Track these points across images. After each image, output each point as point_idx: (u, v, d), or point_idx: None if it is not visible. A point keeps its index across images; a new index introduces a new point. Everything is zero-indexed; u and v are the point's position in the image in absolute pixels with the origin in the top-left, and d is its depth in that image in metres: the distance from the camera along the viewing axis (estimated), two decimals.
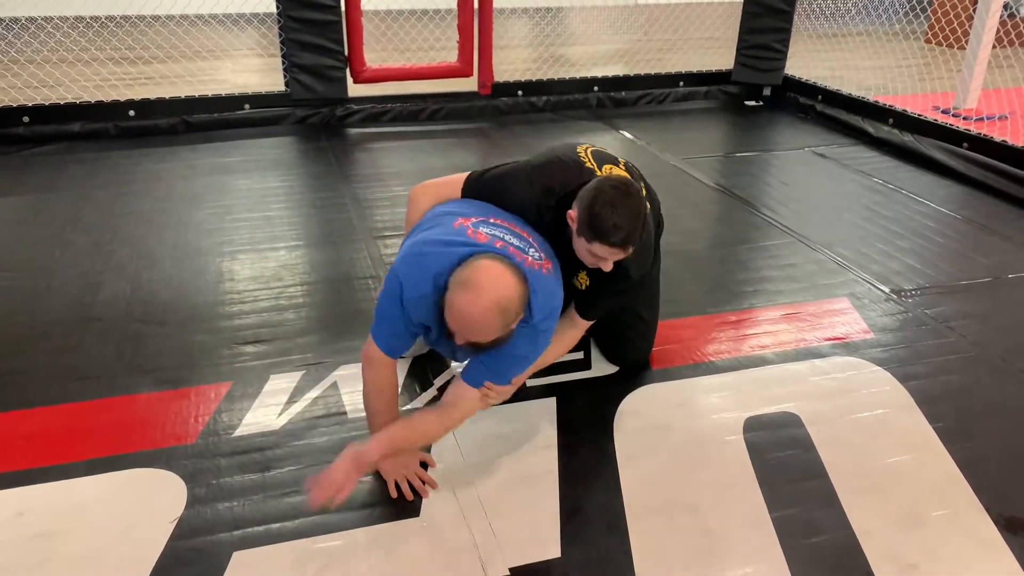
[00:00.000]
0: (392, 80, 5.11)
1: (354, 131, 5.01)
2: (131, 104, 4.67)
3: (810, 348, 2.61)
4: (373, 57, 5.12)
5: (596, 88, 5.59)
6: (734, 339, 2.67)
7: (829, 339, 2.67)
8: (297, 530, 1.83)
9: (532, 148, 4.87)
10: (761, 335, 2.69)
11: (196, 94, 4.85)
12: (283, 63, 4.89)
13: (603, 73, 5.74)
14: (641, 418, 2.25)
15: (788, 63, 5.78)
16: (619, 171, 2.14)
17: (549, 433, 2.17)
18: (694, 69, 5.89)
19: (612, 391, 2.36)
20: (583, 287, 2.13)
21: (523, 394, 2.30)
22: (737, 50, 5.82)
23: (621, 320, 2.38)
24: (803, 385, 2.41)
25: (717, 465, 2.07)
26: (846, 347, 2.62)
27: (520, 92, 5.41)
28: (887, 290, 3.02)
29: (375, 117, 5.10)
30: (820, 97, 5.46)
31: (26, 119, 4.51)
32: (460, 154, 4.74)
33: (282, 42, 4.83)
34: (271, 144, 4.68)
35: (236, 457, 2.06)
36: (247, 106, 4.89)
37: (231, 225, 3.52)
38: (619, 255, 1.89)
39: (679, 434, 2.18)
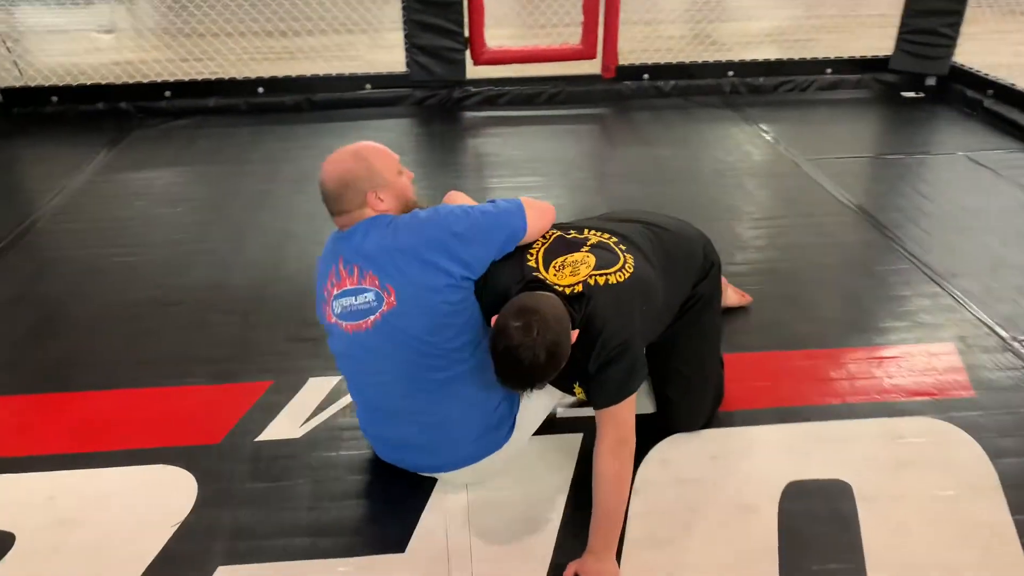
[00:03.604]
0: (513, 62, 5.01)
1: (470, 115, 4.97)
2: (260, 81, 4.89)
3: (890, 403, 2.31)
4: (496, 36, 5.04)
5: (731, 73, 5.21)
6: (805, 382, 2.40)
7: (917, 393, 2.34)
8: (286, 549, 1.84)
9: (650, 139, 4.78)
10: (838, 380, 2.41)
11: (321, 72, 4.99)
12: (405, 44, 4.91)
13: (745, 56, 5.33)
14: (669, 469, 2.07)
15: (966, 45, 5.10)
16: (578, 257, 1.88)
17: (565, 474, 2.05)
18: (845, 54, 5.35)
19: (646, 432, 2.19)
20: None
21: (549, 425, 2.19)
22: (899, 33, 5.21)
23: (657, 376, 2.17)
24: (868, 448, 2.13)
25: (737, 536, 1.87)
26: (935, 406, 2.29)
27: (646, 76, 5.14)
28: (1007, 337, 2.61)
29: (492, 100, 5.04)
30: (991, 91, 4.79)
31: (168, 93, 4.83)
32: (575, 142, 4.59)
33: (404, 22, 4.85)
34: (387, 127, 4.74)
35: (252, 463, 2.10)
36: (368, 86, 4.98)
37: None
38: None
39: (705, 493, 2.00)
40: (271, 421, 2.25)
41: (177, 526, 1.90)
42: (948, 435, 2.18)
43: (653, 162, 4.18)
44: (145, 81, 4.82)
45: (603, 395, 1.80)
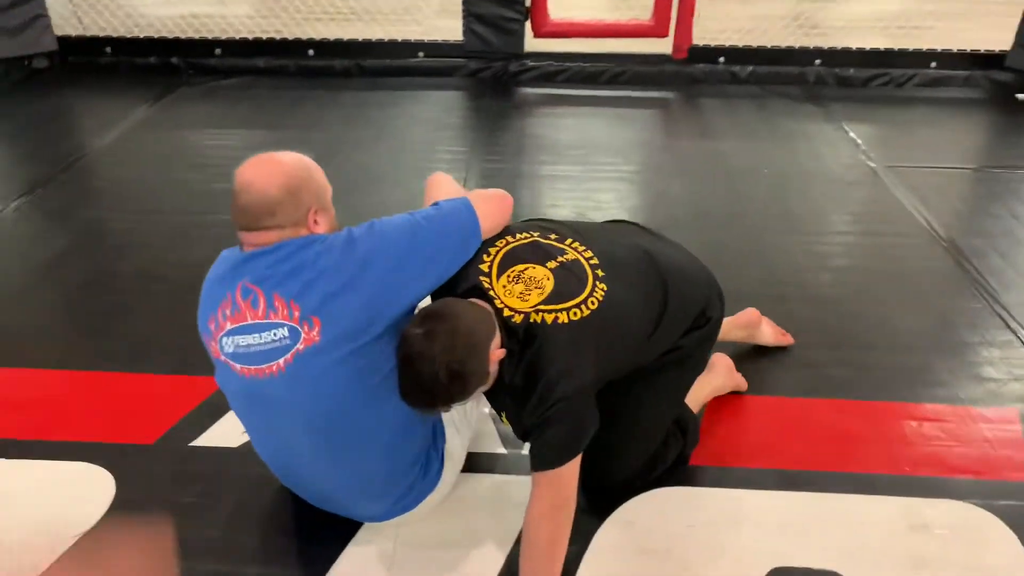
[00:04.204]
0: (576, 36, 4.67)
1: (524, 91, 4.66)
2: (311, 43, 4.71)
3: (921, 479, 1.93)
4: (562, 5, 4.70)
5: (818, 61, 4.70)
6: (822, 440, 2.05)
7: (958, 470, 1.95)
8: None
9: (714, 130, 4.36)
10: (862, 442, 2.04)
11: (374, 37, 4.78)
12: (463, 11, 4.63)
13: (837, 43, 4.79)
14: (632, 534, 1.77)
15: None
16: (538, 275, 1.58)
17: (510, 528, 1.78)
18: (955, 46, 4.73)
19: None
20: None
21: (498, 467, 1.92)
22: (1021, 25, 4.57)
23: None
24: (881, 535, 1.77)
25: None
26: (978, 489, 1.90)
27: (721, 59, 4.69)
28: None
29: (550, 76, 4.71)
30: None
31: (218, 51, 4.72)
32: (632, 129, 4.22)
33: None
34: (434, 99, 4.50)
35: (180, 471, 1.93)
36: (421, 54, 4.74)
37: (360, 189, 3.40)
38: None
39: (669, 571, 1.69)
40: (213, 424, 2.07)
41: (78, 537, 1.75)
42: (987, 529, 1.80)
43: (712, 157, 3.78)
44: (196, 37, 4.72)
45: (540, 458, 1.52)
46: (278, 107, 4.34)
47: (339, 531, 1.76)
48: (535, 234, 1.69)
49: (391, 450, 1.62)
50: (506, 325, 1.51)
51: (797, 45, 4.75)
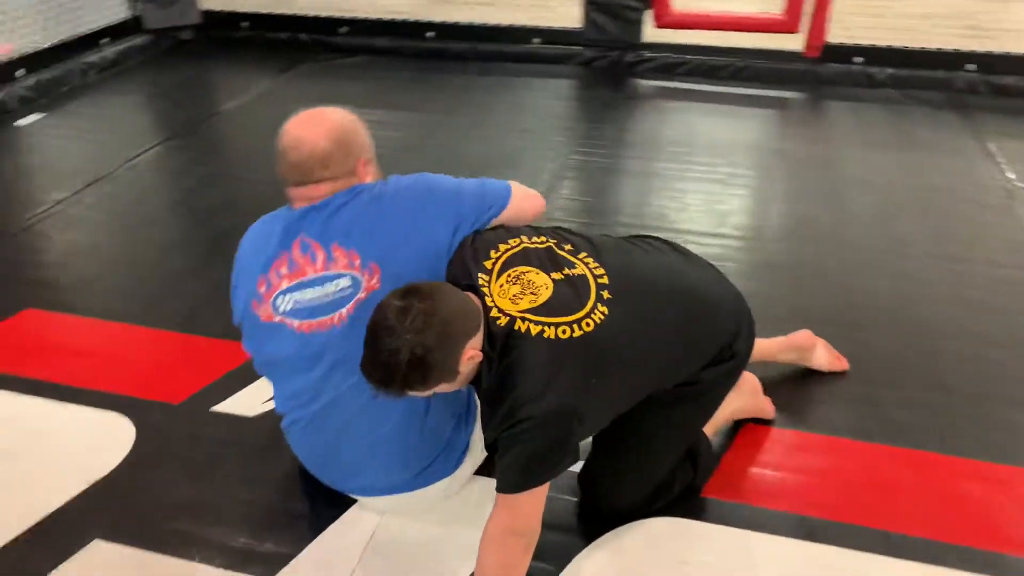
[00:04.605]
0: (699, 28, 4.44)
1: (641, 82, 4.49)
2: (430, 25, 4.76)
3: (972, 550, 1.68)
4: None
5: (971, 67, 4.21)
6: (860, 489, 1.83)
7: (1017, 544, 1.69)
8: (166, 540, 1.71)
9: (839, 137, 4.00)
10: (908, 498, 1.80)
11: (491, 21, 4.76)
12: None
13: (1002, 47, 4.28)
14: (617, 562, 1.66)
15: None
16: (540, 281, 1.48)
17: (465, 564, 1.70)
18: None
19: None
20: None
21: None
22: None
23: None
24: None
25: None
26: None
27: (858, 59, 4.31)
28: None
29: (668, 68, 4.50)
30: None
31: (343, 29, 4.87)
32: (749, 130, 3.92)
33: None
34: (546, 87, 4.41)
35: (197, 433, 2.00)
36: (536, 40, 4.67)
37: (447, 172, 3.40)
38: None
39: None
40: (238, 392, 2.13)
41: (91, 484, 1.85)
42: None
43: (826, 165, 3.49)
44: (324, 15, 4.88)
45: (501, 478, 1.43)
46: (390, 87, 4.42)
47: (326, 512, 1.77)
48: (551, 240, 1.59)
49: (430, 415, 1.61)
50: (490, 327, 1.43)
51: (949, 47, 4.29)
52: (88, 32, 4.48)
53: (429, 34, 4.77)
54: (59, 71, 4.22)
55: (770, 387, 2.08)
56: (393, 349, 1.32)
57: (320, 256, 1.57)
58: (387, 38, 4.81)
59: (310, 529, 1.75)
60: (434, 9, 4.88)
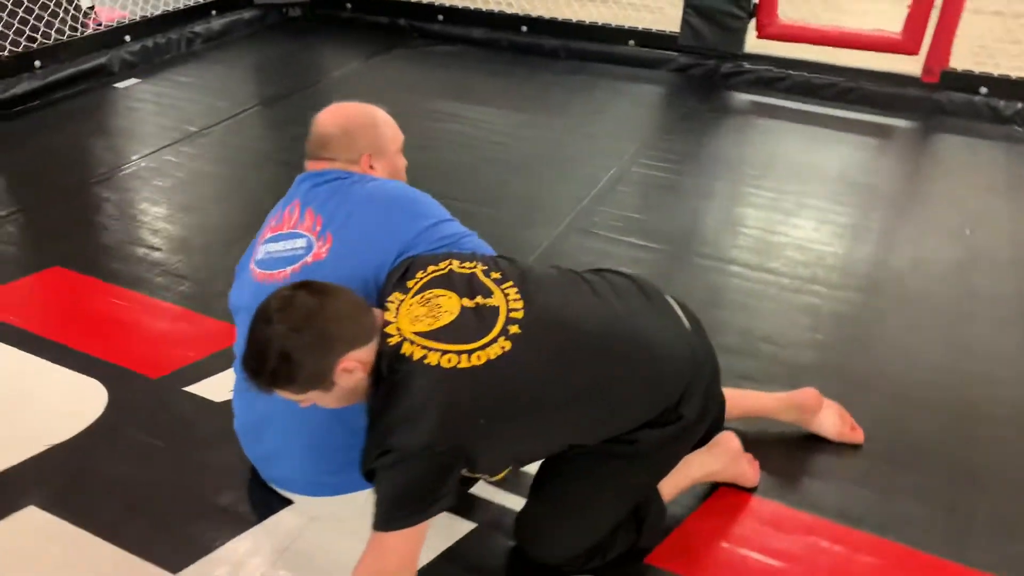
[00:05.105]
0: (806, 42, 4.11)
1: (737, 95, 4.21)
2: (525, 19, 4.65)
3: None
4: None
5: None
6: None
7: None
8: (96, 517, 1.71)
9: (946, 174, 3.60)
10: None
11: (587, 19, 4.59)
12: (684, 2, 4.28)
13: None
14: None
15: None
16: (448, 306, 1.37)
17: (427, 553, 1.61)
18: None
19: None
20: None
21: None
22: None
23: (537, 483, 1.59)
24: None
25: None
26: None
27: (983, 90, 3.85)
28: None
29: (768, 83, 4.19)
30: None
31: (441, 17, 4.84)
32: (846, 157, 3.55)
33: None
34: (632, 91, 4.22)
35: (162, 411, 2.01)
36: (631, 42, 4.46)
37: (502, 168, 3.32)
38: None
39: None
40: (213, 376, 2.12)
41: (48, 448, 1.89)
42: None
43: (926, 207, 3.16)
44: (424, 1, 4.87)
45: (374, 514, 1.33)
46: (474, 79, 4.36)
47: (260, 510, 1.73)
48: (481, 266, 1.47)
49: (361, 415, 1.51)
50: (381, 344, 1.33)
51: None
52: (199, 3, 4.66)
53: (523, 27, 4.66)
54: (165, 39, 4.42)
55: (762, 448, 1.87)
56: (264, 340, 1.27)
57: (295, 214, 1.66)
58: (482, 29, 4.75)
59: (237, 525, 1.71)
60: (535, 3, 4.76)
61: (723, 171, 3.41)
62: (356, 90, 4.14)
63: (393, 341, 1.32)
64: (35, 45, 3.83)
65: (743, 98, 4.17)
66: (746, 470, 1.78)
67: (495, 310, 1.37)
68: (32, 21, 3.80)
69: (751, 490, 1.81)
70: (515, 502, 1.70)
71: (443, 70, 4.48)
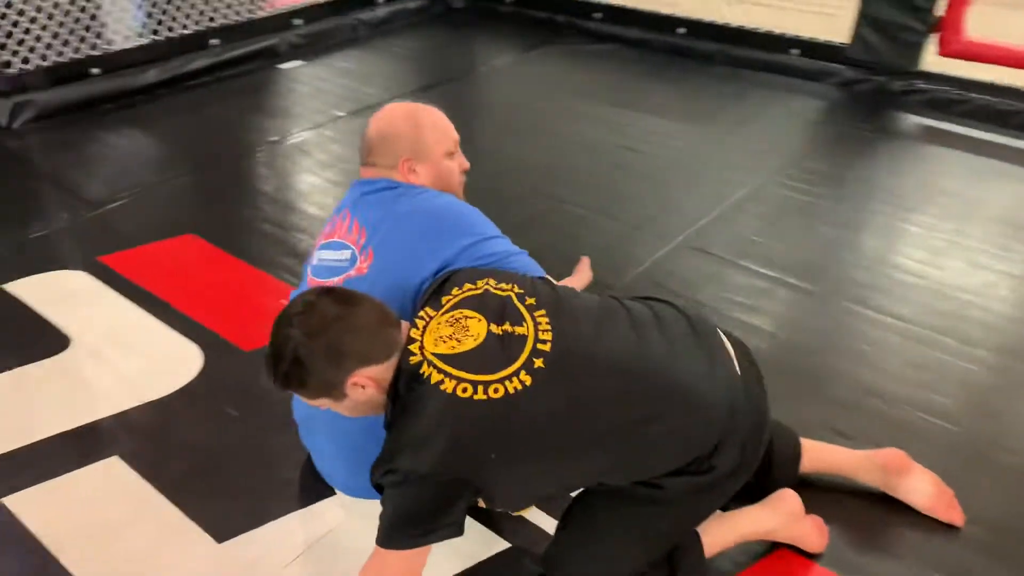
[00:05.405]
0: (995, 63, 3.68)
1: (904, 117, 3.83)
2: (684, 21, 4.48)
3: None
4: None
5: None
6: None
7: None
8: (165, 478, 1.83)
9: None
10: None
11: (749, 25, 4.35)
12: (857, 11, 3.94)
13: None
14: None
15: None
16: (475, 331, 1.33)
17: (455, 566, 1.60)
18: None
19: None
20: None
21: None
22: None
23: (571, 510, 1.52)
24: None
25: None
26: None
27: None
28: None
29: (942, 105, 3.78)
30: None
31: (598, 15, 4.76)
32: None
33: None
34: (789, 105, 3.94)
35: (244, 384, 2.11)
36: (794, 51, 4.18)
37: (632, 178, 3.24)
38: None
39: None
40: None
41: (141, 403, 2.03)
42: None
43: None
44: None
45: (379, 525, 1.32)
46: (620, 80, 4.26)
47: (310, 496, 1.79)
48: (517, 289, 1.41)
49: None
50: (402, 362, 1.32)
51: None
52: None
53: (680, 30, 4.50)
54: (332, 24, 4.64)
55: (836, 509, 1.71)
56: (282, 340, 1.29)
57: (347, 223, 1.65)
58: (638, 29, 4.62)
59: (286, 505, 1.77)
60: (695, 5, 4.57)
61: (870, 199, 3.13)
62: (501, 84, 4.27)
63: (414, 360, 1.30)
64: (214, 24, 4.14)
65: (911, 120, 3.80)
66: (809, 532, 1.63)
67: (522, 340, 1.31)
68: (213, 1, 4.12)
69: (814, 556, 1.65)
70: (552, 525, 1.65)
71: (592, 69, 4.41)
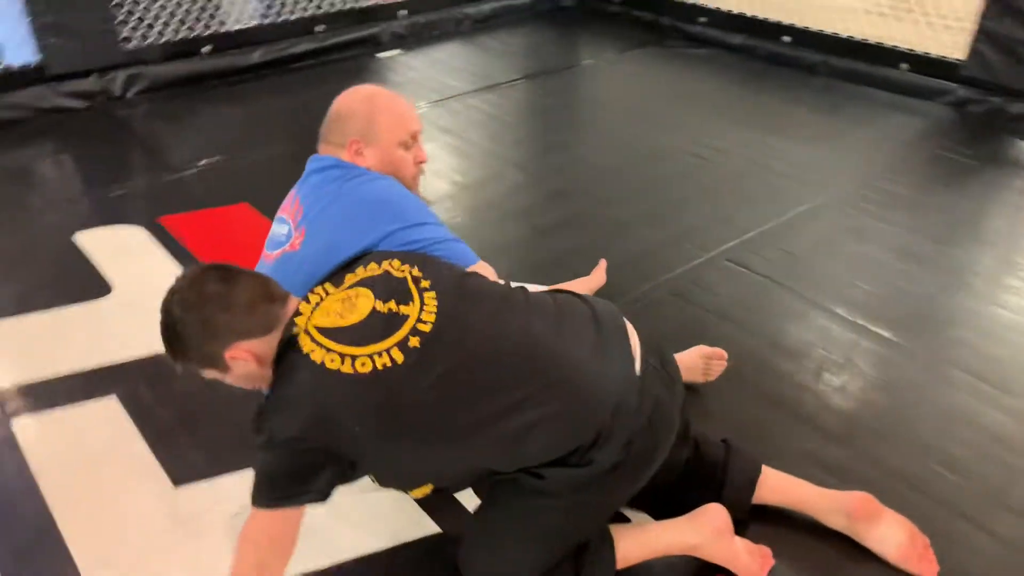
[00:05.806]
0: None
1: (1020, 144, 3.48)
2: (789, 29, 4.27)
3: None
4: None
5: None
6: None
7: None
8: (147, 422, 1.97)
9: None
10: None
11: (857, 35, 4.08)
12: (976, 25, 3.62)
13: None
14: None
15: None
16: (361, 305, 1.33)
17: (406, 532, 1.64)
18: None
19: None
20: None
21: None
22: None
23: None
24: None
25: None
26: None
27: None
28: None
29: None
30: None
31: (703, 19, 4.62)
32: None
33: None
34: (889, 124, 3.69)
35: None
36: (904, 65, 3.89)
37: (681, 192, 3.17)
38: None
39: None
40: None
41: (157, 353, 2.19)
42: None
43: None
44: (689, 2, 4.68)
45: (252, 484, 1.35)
46: (714, 86, 4.13)
47: None
48: (414, 271, 1.40)
49: None
50: (284, 333, 1.34)
51: None
52: None
53: (785, 38, 4.29)
54: (437, 17, 4.78)
55: (792, 547, 1.60)
56: (164, 315, 1.35)
57: (290, 199, 1.70)
58: (742, 36, 4.46)
59: (246, 460, 1.83)
60: (803, 12, 4.35)
61: (956, 233, 2.83)
62: (590, 83, 4.24)
63: (296, 332, 1.32)
64: (320, 11, 4.37)
65: (1022, 147, 3.45)
66: (740, 555, 1.53)
67: (404, 318, 1.31)
68: None
69: None
70: None
71: (687, 74, 4.31)
